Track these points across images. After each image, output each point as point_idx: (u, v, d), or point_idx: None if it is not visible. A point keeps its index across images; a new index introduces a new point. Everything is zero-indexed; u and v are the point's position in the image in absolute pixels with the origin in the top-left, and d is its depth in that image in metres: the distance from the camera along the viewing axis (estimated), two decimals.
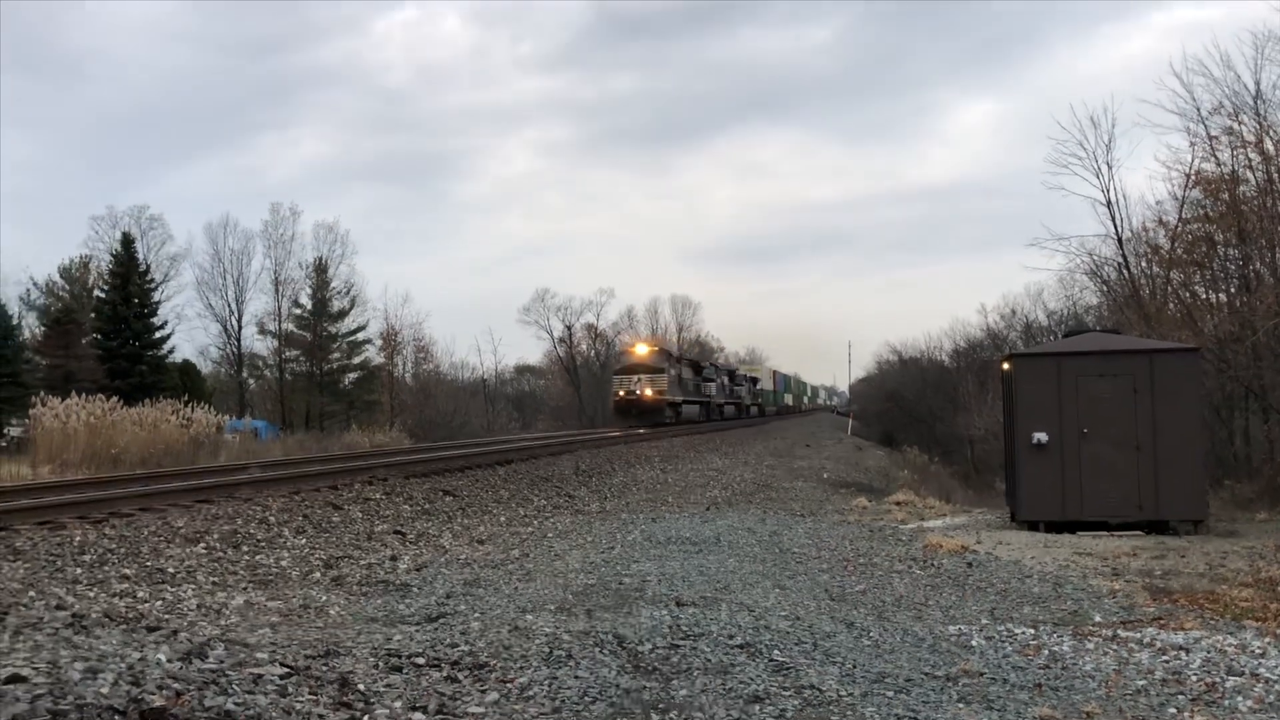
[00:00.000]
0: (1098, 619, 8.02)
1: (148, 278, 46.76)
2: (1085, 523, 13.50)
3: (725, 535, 11.79)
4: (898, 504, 17.90)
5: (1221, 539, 12.86)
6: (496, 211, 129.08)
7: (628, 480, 19.67)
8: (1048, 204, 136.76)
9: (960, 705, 5.39)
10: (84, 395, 25.37)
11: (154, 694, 3.95)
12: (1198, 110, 21.82)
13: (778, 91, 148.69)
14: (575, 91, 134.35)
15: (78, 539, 9.13)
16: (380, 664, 5.28)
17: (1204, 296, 24.25)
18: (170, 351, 46.14)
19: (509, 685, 5.08)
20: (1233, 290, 23.10)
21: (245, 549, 9.64)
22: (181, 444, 25.39)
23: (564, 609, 7.21)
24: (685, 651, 5.91)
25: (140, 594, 7.54)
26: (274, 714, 4.09)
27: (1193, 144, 22.53)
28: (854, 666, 5.93)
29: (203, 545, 9.50)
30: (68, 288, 52.07)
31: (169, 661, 4.53)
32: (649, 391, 36.23)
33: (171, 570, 8.48)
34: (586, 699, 4.96)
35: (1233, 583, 9.62)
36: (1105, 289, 29.52)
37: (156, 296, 46.99)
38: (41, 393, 26.78)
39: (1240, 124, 21.45)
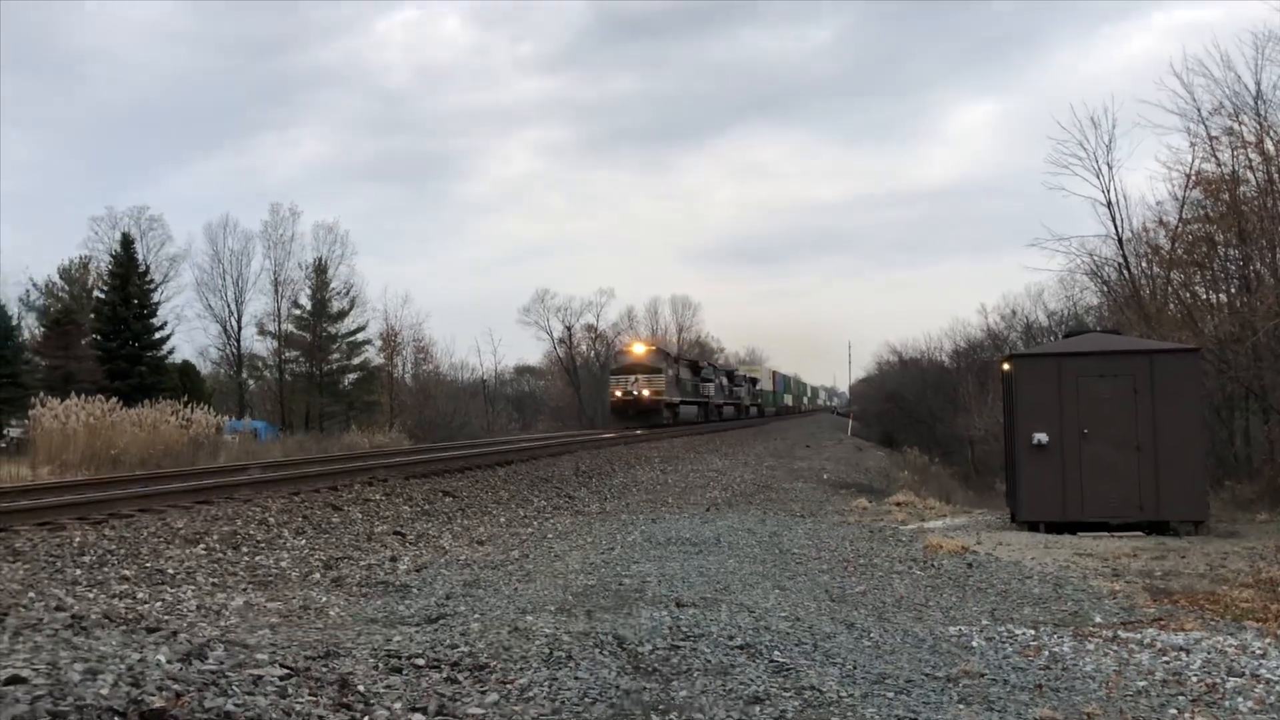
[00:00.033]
0: (1098, 620, 8.02)
1: (147, 278, 46.72)
2: (1086, 523, 13.50)
3: (725, 536, 11.78)
4: (898, 505, 17.88)
5: (1222, 540, 12.86)
6: (496, 212, 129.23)
7: (627, 481, 19.65)
8: (1048, 204, 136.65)
9: (961, 706, 5.38)
10: (83, 396, 25.40)
11: (154, 695, 3.95)
12: (1198, 110, 21.85)
13: (778, 92, 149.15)
14: (575, 92, 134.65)
15: (77, 540, 9.13)
16: (380, 665, 5.27)
17: (1204, 297, 24.25)
18: (170, 352, 46.15)
19: (509, 686, 5.08)
20: (1233, 291, 23.11)
21: (245, 550, 9.64)
22: (181, 445, 25.41)
23: (564, 610, 7.21)
24: (685, 652, 5.91)
25: (140, 595, 7.54)
26: (274, 715, 4.09)
27: (1193, 144, 22.57)
28: (854, 667, 5.93)
29: (202, 546, 9.50)
30: (67, 288, 52.00)
31: (169, 662, 4.53)
32: (646, 392, 36.16)
33: (171, 571, 8.48)
34: (586, 700, 4.96)
35: (1233, 583, 9.61)
36: (1105, 289, 29.55)
37: (156, 297, 47.00)
38: (41, 393, 26.80)
39: (1240, 124, 21.48)
